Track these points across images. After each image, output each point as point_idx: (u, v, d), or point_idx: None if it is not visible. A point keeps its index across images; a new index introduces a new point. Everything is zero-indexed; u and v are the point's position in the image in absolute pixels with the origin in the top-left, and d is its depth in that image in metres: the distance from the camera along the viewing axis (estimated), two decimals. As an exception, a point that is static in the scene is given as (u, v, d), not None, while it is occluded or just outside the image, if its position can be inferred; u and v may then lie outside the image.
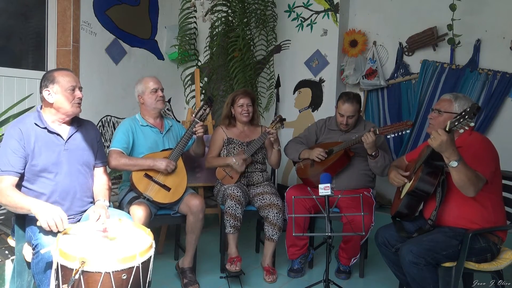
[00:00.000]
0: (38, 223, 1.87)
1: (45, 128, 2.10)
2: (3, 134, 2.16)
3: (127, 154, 2.69)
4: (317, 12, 4.23)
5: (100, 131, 3.79)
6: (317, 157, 2.95)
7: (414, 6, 3.93)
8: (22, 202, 1.93)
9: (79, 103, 2.16)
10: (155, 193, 2.62)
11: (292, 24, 4.38)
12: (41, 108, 2.17)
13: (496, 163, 2.15)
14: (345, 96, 3.01)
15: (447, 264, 2.10)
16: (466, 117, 1.81)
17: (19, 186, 2.05)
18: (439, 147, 1.93)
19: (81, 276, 1.56)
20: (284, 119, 3.05)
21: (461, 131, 1.87)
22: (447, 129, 1.89)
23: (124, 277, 1.61)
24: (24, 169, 2.04)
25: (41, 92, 2.12)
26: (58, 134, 2.13)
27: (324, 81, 4.25)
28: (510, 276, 2.40)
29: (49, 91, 2.09)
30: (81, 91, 2.17)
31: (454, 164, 1.94)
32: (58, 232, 1.83)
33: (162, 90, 2.84)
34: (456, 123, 1.85)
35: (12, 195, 1.95)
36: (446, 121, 2.04)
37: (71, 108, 2.13)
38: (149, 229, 1.91)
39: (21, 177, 2.05)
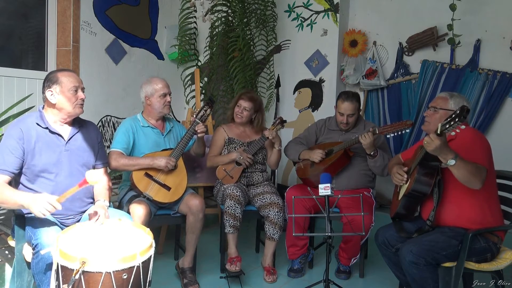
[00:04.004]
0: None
1: (47, 128, 2.10)
2: (3, 134, 2.16)
3: (127, 155, 2.69)
4: (317, 12, 4.23)
5: (100, 131, 3.78)
6: (318, 159, 2.95)
7: (414, 6, 3.93)
8: (13, 198, 1.92)
9: (82, 104, 2.16)
10: (155, 193, 2.62)
11: (292, 24, 4.38)
12: (43, 108, 2.16)
13: (489, 155, 2.15)
14: (344, 95, 3.01)
15: (447, 264, 2.10)
16: (457, 119, 1.82)
17: (17, 184, 2.06)
18: (433, 151, 1.95)
19: (82, 276, 1.56)
20: (285, 121, 3.05)
21: (453, 133, 1.88)
22: (438, 132, 1.90)
23: (125, 277, 1.61)
24: (20, 169, 2.04)
25: (43, 93, 2.12)
26: (59, 135, 2.13)
27: (324, 81, 4.25)
28: (510, 276, 2.41)
29: (52, 91, 2.09)
30: (83, 92, 2.17)
31: (452, 162, 1.95)
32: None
33: (170, 94, 2.84)
34: (447, 126, 1.85)
35: (4, 191, 1.93)
36: (442, 118, 2.04)
37: (73, 109, 2.12)
38: (148, 229, 1.91)
39: (21, 175, 2.06)
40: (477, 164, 2.02)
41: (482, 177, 2.01)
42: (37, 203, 1.85)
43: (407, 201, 2.29)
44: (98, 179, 1.89)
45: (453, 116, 1.83)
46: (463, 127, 1.84)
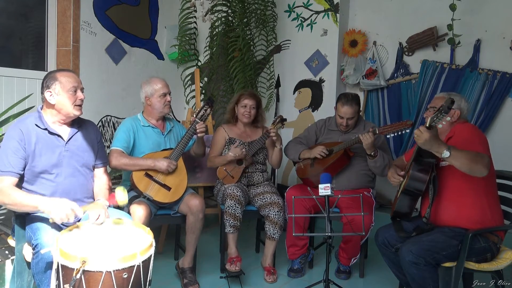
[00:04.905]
0: (50, 220, 1.88)
1: (46, 129, 2.09)
2: (3, 134, 2.15)
3: (128, 154, 2.69)
4: (317, 12, 4.24)
5: (100, 131, 3.78)
6: (320, 154, 2.94)
7: (414, 6, 3.93)
8: (26, 200, 1.92)
9: (81, 105, 2.15)
10: (155, 193, 2.62)
11: (292, 24, 4.38)
12: (41, 108, 2.15)
13: (488, 148, 2.16)
14: (344, 98, 2.99)
15: (447, 264, 2.10)
16: (442, 111, 1.87)
17: (18, 187, 2.04)
18: (423, 144, 1.97)
19: (82, 276, 1.56)
20: (285, 119, 3.05)
21: (440, 126, 1.93)
22: (427, 126, 1.93)
23: (125, 276, 1.62)
24: (24, 170, 2.03)
25: (42, 93, 2.11)
26: (58, 135, 2.12)
27: (324, 81, 4.25)
28: (510, 276, 2.40)
29: (50, 92, 2.08)
30: (83, 92, 2.16)
31: (446, 154, 1.95)
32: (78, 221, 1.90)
33: (170, 94, 2.84)
34: (435, 119, 1.90)
35: (14, 193, 1.94)
36: None
37: (73, 110, 2.12)
38: (148, 228, 1.91)
39: (21, 178, 2.05)
40: (476, 151, 2.02)
41: (484, 163, 1.98)
42: (57, 208, 1.86)
43: (404, 198, 2.29)
44: (126, 200, 2.10)
45: (440, 108, 1.89)
46: (448, 118, 1.92)
